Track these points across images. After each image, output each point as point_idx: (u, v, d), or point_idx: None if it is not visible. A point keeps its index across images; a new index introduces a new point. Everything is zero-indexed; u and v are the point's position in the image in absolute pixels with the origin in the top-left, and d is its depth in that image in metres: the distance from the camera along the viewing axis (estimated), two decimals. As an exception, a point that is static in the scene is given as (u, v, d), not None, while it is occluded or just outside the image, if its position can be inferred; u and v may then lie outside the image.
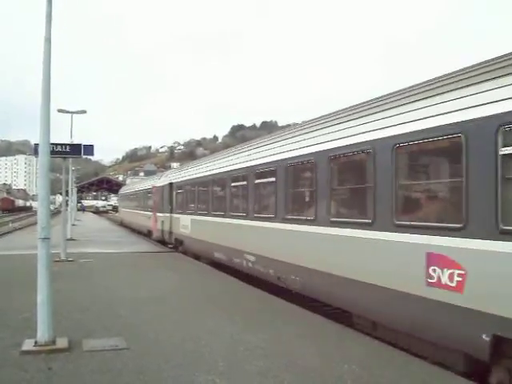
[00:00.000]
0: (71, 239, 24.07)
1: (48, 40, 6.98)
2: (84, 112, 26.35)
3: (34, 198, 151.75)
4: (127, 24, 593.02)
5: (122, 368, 5.96)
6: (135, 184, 43.46)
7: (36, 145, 13.56)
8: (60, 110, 25.04)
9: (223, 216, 14.65)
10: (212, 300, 10.37)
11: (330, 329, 8.11)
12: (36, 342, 6.64)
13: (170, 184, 22.59)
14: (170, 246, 22.86)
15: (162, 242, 24.55)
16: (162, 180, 25.35)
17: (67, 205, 25.64)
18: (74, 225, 35.42)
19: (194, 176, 18.64)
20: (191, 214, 18.61)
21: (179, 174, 21.91)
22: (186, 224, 19.32)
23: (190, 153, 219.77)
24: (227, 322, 8.33)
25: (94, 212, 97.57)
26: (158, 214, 25.09)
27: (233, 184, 14.06)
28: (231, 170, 14.20)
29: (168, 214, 22.65)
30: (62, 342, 6.75)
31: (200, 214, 17.35)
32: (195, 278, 13.77)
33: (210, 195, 16.47)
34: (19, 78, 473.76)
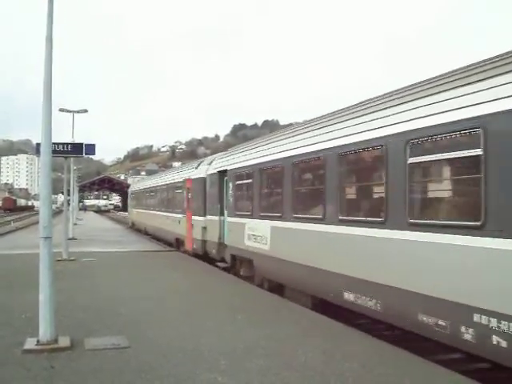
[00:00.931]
0: (73, 238, 24.12)
1: (49, 39, 6.99)
2: (85, 111, 26.39)
3: (35, 197, 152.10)
4: (126, 21, 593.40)
5: (124, 366, 5.98)
6: (154, 178, 33.40)
7: (38, 144, 13.59)
8: (61, 109, 25.08)
9: (381, 225, 7.42)
10: (215, 299, 10.39)
11: (331, 327, 8.10)
12: (38, 341, 6.65)
13: (222, 173, 15.55)
14: (221, 265, 15.47)
15: (201, 257, 17.47)
16: (202, 169, 18.18)
17: (69, 204, 25.65)
18: (75, 224, 35.44)
19: (283, 155, 11.05)
20: (272, 218, 11.51)
21: (240, 156, 14.12)
22: (258, 234, 12.31)
23: (192, 152, 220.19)
24: (229, 321, 8.34)
25: (95, 211, 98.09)
26: (196, 218, 18.27)
27: (414, 160, 6.78)
28: (418, 129, 6.70)
29: (216, 218, 15.88)
30: (64, 341, 6.77)
31: (298, 220, 10.19)
32: (198, 277, 13.78)
33: (328, 187, 9.08)
34: (20, 78, 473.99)
